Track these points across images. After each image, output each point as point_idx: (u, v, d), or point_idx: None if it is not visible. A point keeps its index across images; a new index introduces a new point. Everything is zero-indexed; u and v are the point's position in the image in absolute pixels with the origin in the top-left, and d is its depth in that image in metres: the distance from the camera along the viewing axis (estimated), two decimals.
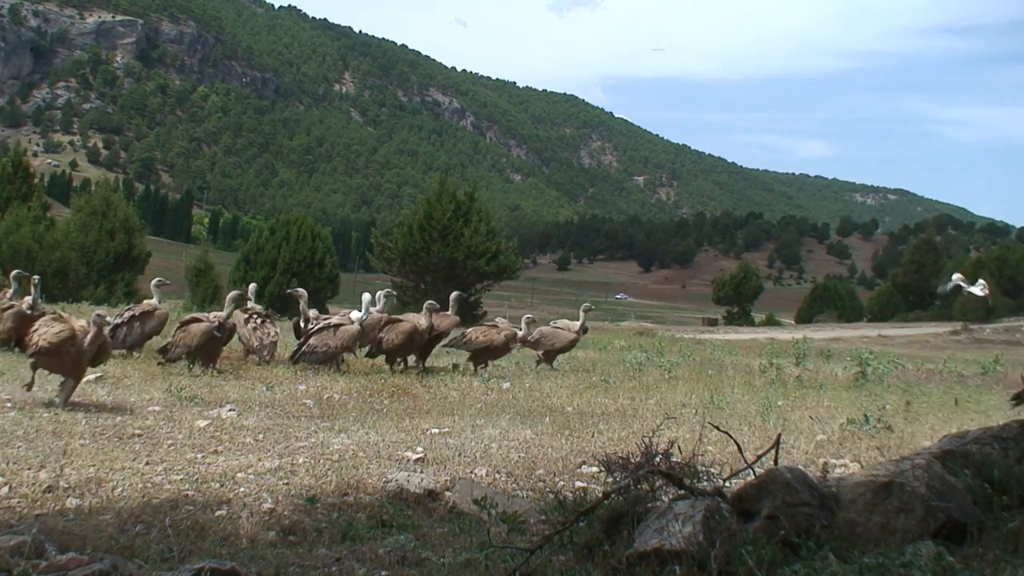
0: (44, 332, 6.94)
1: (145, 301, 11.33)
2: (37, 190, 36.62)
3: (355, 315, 10.57)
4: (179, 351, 9.38)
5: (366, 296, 10.76)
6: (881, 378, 10.98)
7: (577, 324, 11.85)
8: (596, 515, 3.48)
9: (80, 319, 7.26)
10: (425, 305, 10.69)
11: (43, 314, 10.56)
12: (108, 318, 7.41)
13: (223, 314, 9.54)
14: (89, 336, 6.83)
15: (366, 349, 10.98)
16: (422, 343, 10.63)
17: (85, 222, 34.85)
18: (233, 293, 10.03)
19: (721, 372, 11.51)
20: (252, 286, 11.68)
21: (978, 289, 16.18)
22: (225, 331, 9.54)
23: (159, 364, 9.48)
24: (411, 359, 11.07)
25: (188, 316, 9.98)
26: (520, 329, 11.20)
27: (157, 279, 11.36)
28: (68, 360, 6.88)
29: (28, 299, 10.26)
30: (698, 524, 3.15)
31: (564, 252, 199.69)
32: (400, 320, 10.69)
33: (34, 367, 7.15)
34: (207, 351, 9.36)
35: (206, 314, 10.01)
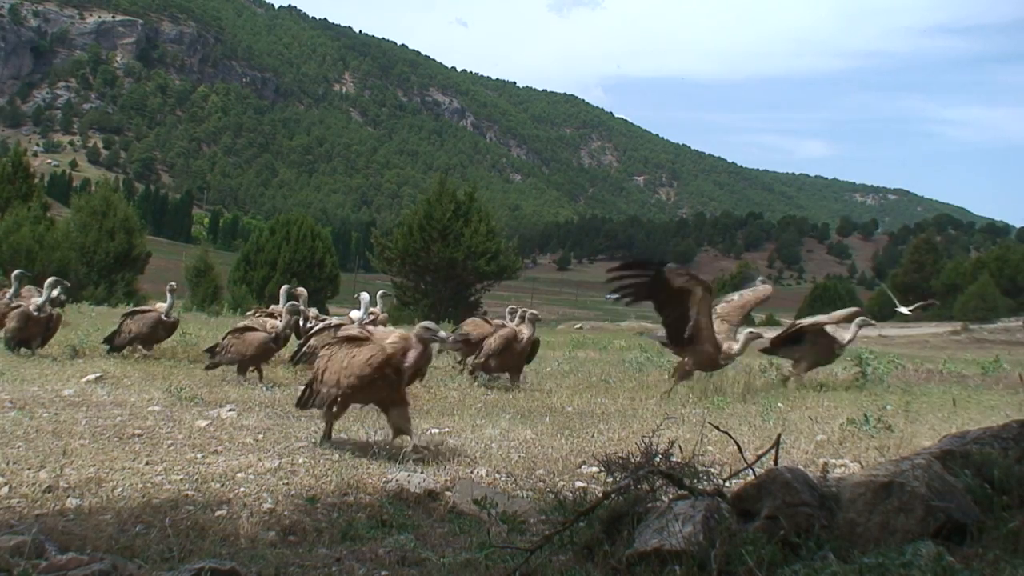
0: (347, 365, 5.27)
1: (158, 304, 11.20)
2: (37, 190, 36.62)
3: (355, 315, 10.57)
4: (230, 357, 9.02)
5: (364, 296, 10.75)
6: (881, 378, 10.95)
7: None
8: (596, 515, 3.48)
9: (371, 330, 5.62)
10: (527, 315, 9.65)
11: (50, 316, 10.35)
12: (441, 332, 5.40)
13: (280, 324, 9.21)
14: (412, 356, 5.23)
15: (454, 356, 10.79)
16: (522, 354, 9.68)
17: (85, 222, 34.87)
18: (290, 304, 9.48)
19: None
20: (285, 288, 10.81)
21: (905, 309, 24.08)
22: (280, 342, 9.28)
23: (206, 368, 9.37)
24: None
25: (243, 323, 9.54)
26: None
27: (172, 283, 11.42)
28: (384, 390, 5.32)
29: (36, 300, 10.27)
30: (698, 524, 3.14)
31: (564, 252, 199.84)
32: (503, 325, 9.88)
33: (338, 405, 5.56)
34: (257, 361, 9.15)
35: (261, 321, 9.52)
